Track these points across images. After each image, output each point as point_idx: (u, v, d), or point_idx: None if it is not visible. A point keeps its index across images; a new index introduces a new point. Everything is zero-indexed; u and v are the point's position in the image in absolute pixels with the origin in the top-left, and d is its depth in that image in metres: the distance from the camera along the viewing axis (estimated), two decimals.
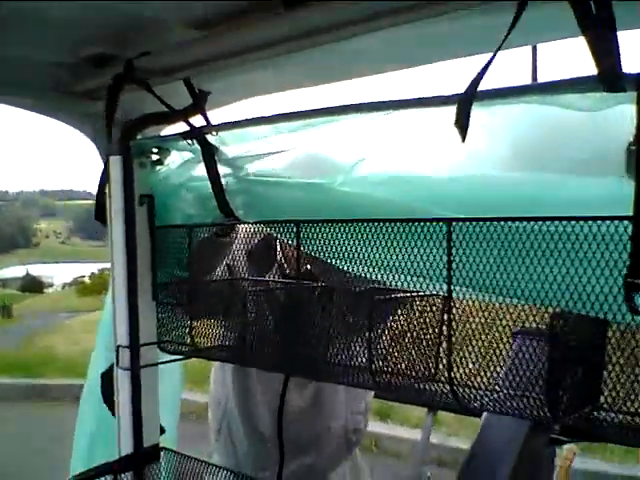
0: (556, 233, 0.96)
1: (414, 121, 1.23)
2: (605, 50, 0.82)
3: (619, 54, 0.85)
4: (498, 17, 0.98)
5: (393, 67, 1.29)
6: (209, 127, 1.35)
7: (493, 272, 1.05)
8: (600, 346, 1.07)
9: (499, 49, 0.84)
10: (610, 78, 0.85)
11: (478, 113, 1.09)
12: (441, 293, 1.12)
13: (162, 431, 1.76)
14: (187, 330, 1.49)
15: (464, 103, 0.87)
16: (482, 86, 1.00)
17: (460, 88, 1.08)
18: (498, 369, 1.16)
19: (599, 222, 0.92)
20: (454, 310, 1.14)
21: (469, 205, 1.13)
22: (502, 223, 1.02)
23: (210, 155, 1.39)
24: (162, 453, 1.62)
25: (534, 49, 9.84)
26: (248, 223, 1.43)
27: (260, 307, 1.42)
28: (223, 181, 1.45)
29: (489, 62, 0.86)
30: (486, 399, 1.15)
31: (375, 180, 1.26)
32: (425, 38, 1.16)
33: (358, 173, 1.29)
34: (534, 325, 1.12)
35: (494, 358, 1.16)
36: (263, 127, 1.33)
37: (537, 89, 0.92)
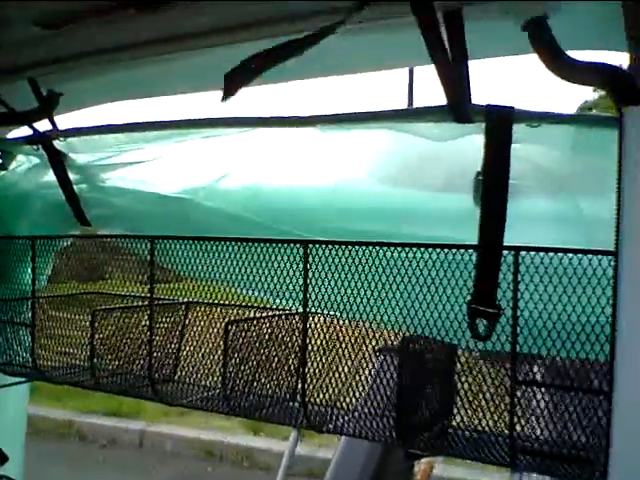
0: (407, 259, 0.97)
1: (279, 137, 1.21)
2: (454, 81, 0.83)
3: (469, 85, 0.87)
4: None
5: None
6: (55, 132, 1.25)
7: (348, 294, 1.04)
8: (449, 368, 1.09)
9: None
10: (459, 109, 0.86)
11: (340, 135, 1.09)
12: (294, 311, 1.11)
13: (4, 459, 1.61)
14: (29, 351, 1.37)
15: None
16: (343, 109, 1.00)
17: (320, 109, 1.07)
18: (356, 389, 1.16)
19: (446, 250, 0.94)
20: (310, 332, 1.13)
21: (332, 217, 1.12)
22: (357, 247, 1.01)
23: (58, 162, 1.29)
24: None
25: (411, 72, 10.15)
26: (101, 237, 1.34)
27: (109, 326, 1.33)
28: (77, 189, 1.35)
29: None
30: (340, 421, 1.14)
31: (237, 196, 1.23)
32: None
33: (221, 188, 1.25)
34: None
35: (349, 378, 1.16)
36: (119, 135, 1.25)
37: (389, 116, 0.92)
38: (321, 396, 1.12)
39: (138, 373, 1.30)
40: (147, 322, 1.28)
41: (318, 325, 1.17)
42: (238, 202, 1.21)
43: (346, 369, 1.16)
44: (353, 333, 1.15)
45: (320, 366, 1.15)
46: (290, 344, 1.15)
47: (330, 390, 1.14)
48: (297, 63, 1.13)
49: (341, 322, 1.15)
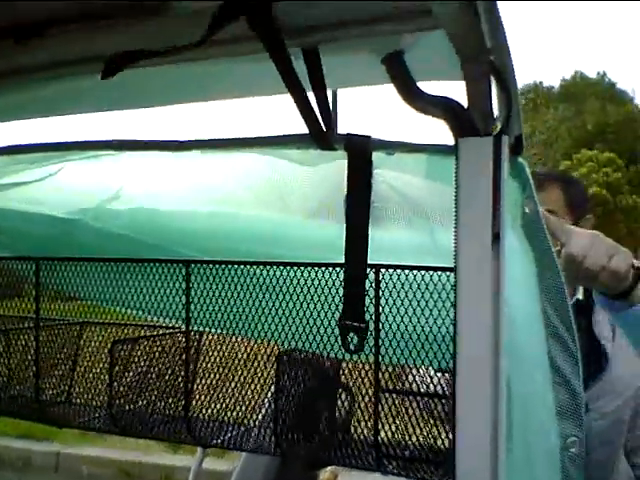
0: (281, 277, 1.03)
1: (166, 160, 1.24)
2: (312, 111, 0.89)
3: (329, 113, 0.93)
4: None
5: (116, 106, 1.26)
6: None
7: (228, 311, 1.08)
8: (332, 381, 1.15)
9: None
10: (320, 137, 0.92)
11: (218, 158, 1.13)
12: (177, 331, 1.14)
13: None
14: None
15: None
16: (219, 135, 1.05)
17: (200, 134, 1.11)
18: (243, 403, 1.20)
19: (316, 268, 1.00)
20: (200, 348, 1.17)
21: (216, 238, 1.16)
22: (235, 266, 1.06)
23: None
24: None
25: (334, 95, 10.11)
26: None
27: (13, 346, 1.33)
28: None
29: None
30: (227, 435, 1.18)
31: (126, 217, 1.25)
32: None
33: (110, 209, 1.26)
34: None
35: (237, 392, 1.20)
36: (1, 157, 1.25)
37: (262, 142, 0.97)
38: (206, 411, 1.16)
39: (27, 395, 1.29)
40: (41, 342, 1.29)
41: (208, 341, 1.21)
42: (127, 223, 1.23)
43: (233, 384, 1.20)
44: (242, 348, 1.20)
45: (207, 382, 1.19)
46: (175, 361, 1.18)
47: (216, 405, 1.18)
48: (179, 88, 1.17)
49: (234, 338, 1.20)
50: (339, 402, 1.14)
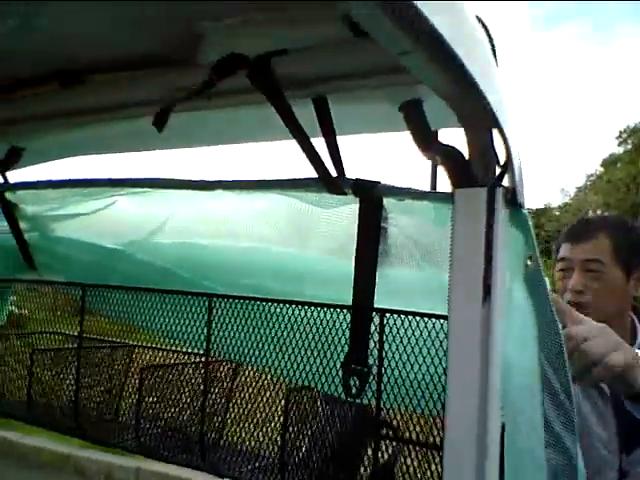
0: (292, 315, 1.05)
1: (205, 198, 1.31)
2: (318, 157, 0.92)
3: (339, 159, 0.96)
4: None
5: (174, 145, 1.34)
6: (5, 186, 1.37)
7: (247, 343, 1.12)
8: (352, 427, 1.15)
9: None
10: (330, 182, 0.95)
11: (243, 198, 1.18)
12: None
13: None
14: None
15: None
16: (243, 177, 1.10)
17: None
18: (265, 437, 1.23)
19: (325, 309, 1.02)
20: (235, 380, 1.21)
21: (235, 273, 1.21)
22: (252, 302, 1.10)
23: (9, 212, 1.41)
24: None
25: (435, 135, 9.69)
26: (37, 282, 1.45)
27: (49, 365, 1.43)
28: (27, 237, 1.47)
29: None
30: (242, 469, 1.20)
31: (165, 250, 1.32)
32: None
33: (153, 242, 1.34)
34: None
35: (260, 427, 1.23)
36: (61, 190, 1.36)
37: (276, 184, 1.01)
38: (224, 442, 1.20)
39: (67, 412, 1.38)
40: (85, 362, 1.39)
41: (245, 374, 1.26)
42: (166, 256, 1.30)
43: (257, 416, 1.23)
44: (266, 383, 1.23)
45: (232, 414, 1.23)
46: (196, 390, 1.23)
47: (237, 437, 1.22)
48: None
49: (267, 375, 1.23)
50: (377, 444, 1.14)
